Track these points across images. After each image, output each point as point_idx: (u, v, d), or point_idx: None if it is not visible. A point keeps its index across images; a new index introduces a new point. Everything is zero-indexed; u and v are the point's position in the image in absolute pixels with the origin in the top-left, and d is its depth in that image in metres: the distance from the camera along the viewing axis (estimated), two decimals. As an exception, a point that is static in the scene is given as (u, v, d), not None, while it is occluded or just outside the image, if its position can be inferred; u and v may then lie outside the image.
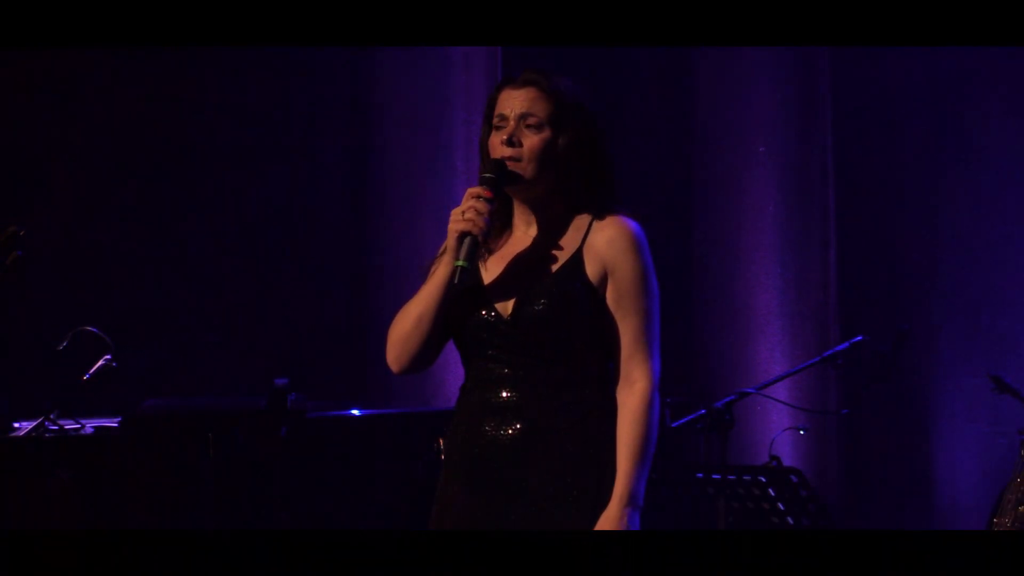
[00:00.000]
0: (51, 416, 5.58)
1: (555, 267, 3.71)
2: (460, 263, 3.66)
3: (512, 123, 3.73)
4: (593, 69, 7.86)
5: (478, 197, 3.68)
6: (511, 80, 3.80)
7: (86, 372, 5.68)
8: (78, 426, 5.66)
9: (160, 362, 7.10)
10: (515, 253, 3.77)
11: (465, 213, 3.67)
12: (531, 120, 3.73)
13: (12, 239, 4.98)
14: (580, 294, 3.69)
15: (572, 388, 3.69)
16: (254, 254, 7.40)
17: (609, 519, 3.62)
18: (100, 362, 5.70)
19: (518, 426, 3.68)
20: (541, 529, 3.61)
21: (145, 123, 7.31)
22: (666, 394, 6.85)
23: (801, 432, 6.72)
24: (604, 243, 3.70)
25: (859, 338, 6.09)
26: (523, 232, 3.79)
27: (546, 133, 3.72)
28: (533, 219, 3.78)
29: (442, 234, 3.76)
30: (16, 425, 5.66)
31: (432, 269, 3.77)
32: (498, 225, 3.80)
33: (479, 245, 3.69)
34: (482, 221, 3.67)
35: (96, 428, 5.67)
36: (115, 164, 7.27)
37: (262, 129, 7.45)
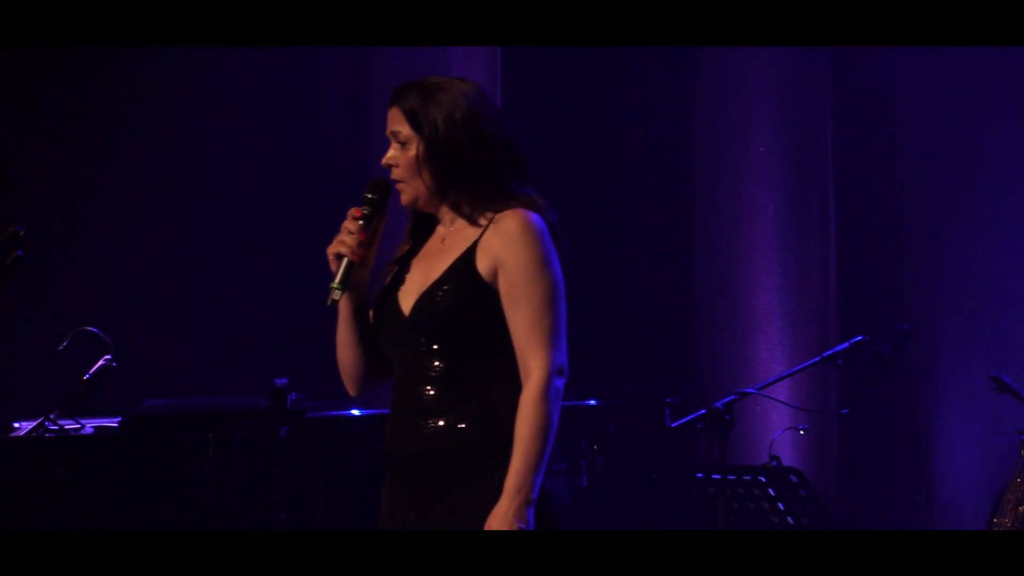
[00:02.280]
0: (51, 416, 5.58)
1: (448, 265, 3.73)
2: (333, 284, 3.76)
3: (391, 142, 3.80)
4: (593, 69, 7.87)
5: (353, 219, 3.78)
6: None
7: (86, 372, 5.68)
8: (78, 426, 5.66)
9: (160, 362, 7.10)
10: (422, 258, 3.81)
11: (339, 235, 3.76)
12: (399, 137, 3.78)
13: (12, 239, 4.98)
14: (470, 289, 3.68)
15: (475, 384, 3.68)
16: (254, 254, 7.40)
17: (496, 515, 3.56)
18: (100, 362, 5.70)
19: (423, 424, 3.70)
20: (454, 530, 3.59)
21: (144, 123, 7.31)
22: (666, 394, 6.91)
23: (801, 432, 6.72)
24: (496, 236, 3.69)
25: (859, 338, 6.08)
26: (433, 238, 3.83)
27: (411, 147, 3.76)
28: (441, 225, 3.82)
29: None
30: (16, 425, 5.66)
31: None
32: (421, 236, 3.85)
33: (353, 265, 3.76)
34: (352, 241, 3.76)
35: (96, 428, 5.67)
36: (115, 164, 7.27)
37: (262, 129, 7.45)
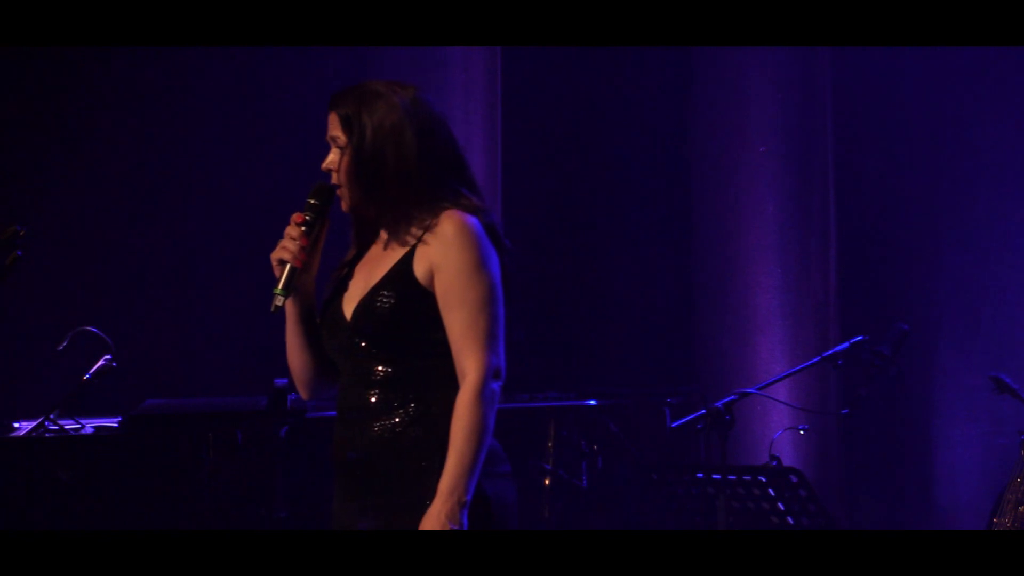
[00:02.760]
0: (51, 416, 5.58)
1: (387, 270, 3.73)
2: (276, 290, 3.78)
3: (331, 147, 3.80)
4: (593, 68, 7.87)
5: (296, 224, 3.80)
6: None
7: (86, 372, 5.68)
8: (78, 426, 5.66)
9: (160, 362, 7.10)
10: (365, 264, 3.82)
11: (282, 241, 3.78)
12: (338, 142, 3.78)
13: (12, 239, 4.97)
14: (407, 293, 3.69)
15: (416, 388, 3.69)
16: (254, 254, 7.38)
17: (429, 516, 3.58)
18: (100, 362, 5.69)
19: (367, 427, 3.70)
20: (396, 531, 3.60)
21: (144, 124, 7.31)
22: (666, 394, 6.91)
23: (801, 432, 6.73)
24: (432, 241, 3.69)
25: (859, 338, 6.09)
26: (376, 243, 3.83)
27: (348, 152, 3.76)
28: (383, 229, 3.81)
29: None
30: (16, 425, 5.65)
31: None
32: (366, 241, 3.85)
33: (296, 271, 3.78)
34: (295, 247, 3.78)
35: (96, 428, 5.67)
36: (115, 164, 7.27)
37: (261, 130, 7.45)
